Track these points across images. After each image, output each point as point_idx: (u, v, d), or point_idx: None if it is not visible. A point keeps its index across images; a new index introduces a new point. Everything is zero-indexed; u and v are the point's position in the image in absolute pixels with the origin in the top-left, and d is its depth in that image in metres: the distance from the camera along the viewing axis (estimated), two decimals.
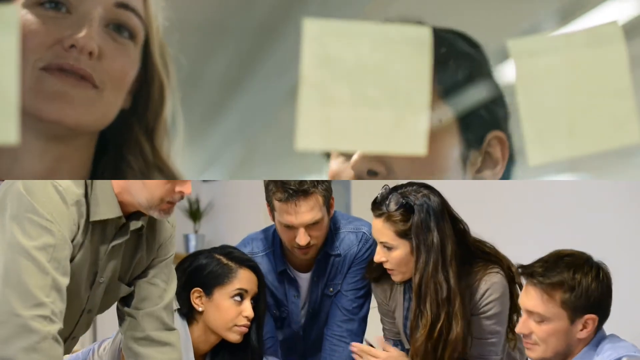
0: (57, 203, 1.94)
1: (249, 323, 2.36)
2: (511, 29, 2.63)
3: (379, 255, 2.39)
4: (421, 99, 1.41)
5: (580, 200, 3.46)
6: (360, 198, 4.41)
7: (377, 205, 2.37)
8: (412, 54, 1.42)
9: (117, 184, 2.02)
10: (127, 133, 1.93)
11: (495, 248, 2.52)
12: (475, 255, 2.46)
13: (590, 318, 2.08)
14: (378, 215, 2.37)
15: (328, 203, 2.46)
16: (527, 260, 2.43)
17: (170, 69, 1.96)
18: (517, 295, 2.39)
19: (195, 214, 5.03)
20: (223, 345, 2.39)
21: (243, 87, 2.85)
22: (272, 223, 2.61)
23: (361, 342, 2.62)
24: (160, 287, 2.22)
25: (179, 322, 2.36)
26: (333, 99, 1.38)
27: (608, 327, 2.16)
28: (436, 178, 1.91)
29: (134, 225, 2.09)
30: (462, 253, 2.40)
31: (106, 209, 2.01)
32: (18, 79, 1.22)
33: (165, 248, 2.23)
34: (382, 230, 2.36)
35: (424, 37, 1.43)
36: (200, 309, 2.36)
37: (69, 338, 2.16)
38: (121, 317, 2.24)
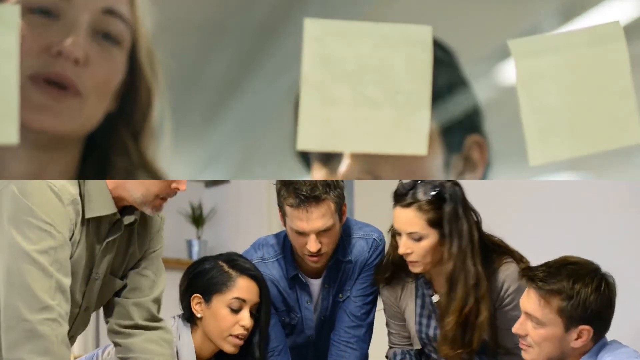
0: (54, 204, 1.94)
1: (245, 333, 2.33)
2: (512, 29, 2.63)
3: (405, 247, 2.36)
4: (422, 99, 1.41)
5: (580, 201, 3.46)
6: (362, 199, 4.41)
7: (402, 196, 2.34)
8: (413, 53, 1.42)
9: (111, 183, 2.02)
10: (113, 135, 1.94)
11: (503, 241, 2.51)
12: (487, 246, 2.46)
13: (585, 329, 2.08)
14: (406, 205, 2.33)
15: (340, 210, 2.45)
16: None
17: (158, 73, 1.96)
18: None
19: (198, 219, 5.03)
20: (227, 356, 2.37)
21: (243, 87, 2.85)
22: (273, 229, 2.60)
23: (367, 348, 2.62)
24: (150, 279, 2.22)
25: (182, 328, 2.35)
26: (334, 99, 1.37)
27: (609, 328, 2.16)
28: (423, 178, 1.96)
29: (128, 220, 2.09)
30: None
31: (101, 206, 2.02)
32: (18, 80, 1.22)
33: (155, 240, 2.23)
34: (412, 220, 2.33)
35: (424, 36, 1.43)
36: (199, 315, 2.34)
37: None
38: (108, 307, 2.24)
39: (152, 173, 1.95)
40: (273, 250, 2.60)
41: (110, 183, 2.04)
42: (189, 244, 4.93)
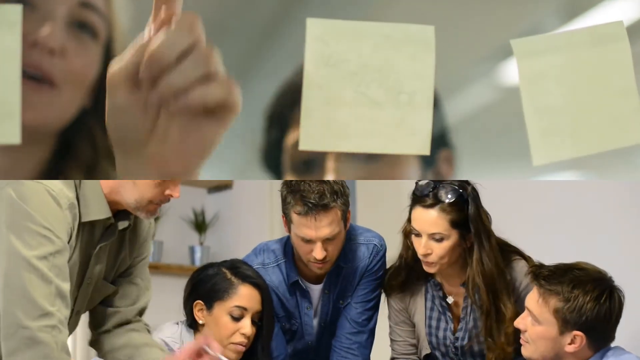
0: (53, 208, 1.92)
1: (246, 341, 2.32)
2: (514, 29, 2.63)
3: (425, 248, 2.36)
4: (425, 99, 1.40)
5: (580, 200, 3.45)
6: (364, 201, 4.40)
7: (424, 197, 2.35)
8: (416, 53, 1.41)
9: (105, 183, 2.01)
10: (85, 133, 1.93)
11: (507, 240, 2.53)
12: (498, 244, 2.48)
13: (579, 335, 2.09)
14: (428, 206, 2.34)
15: (345, 217, 2.45)
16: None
17: None
18: None
19: (200, 225, 5.02)
20: None
21: (244, 86, 2.85)
22: (276, 235, 2.59)
23: (369, 353, 2.62)
24: (140, 286, 2.22)
25: (185, 334, 2.35)
26: (336, 99, 1.37)
27: None
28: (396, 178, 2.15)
29: (122, 225, 2.08)
30: None
31: (96, 210, 2.01)
32: (20, 79, 1.21)
33: (144, 247, 2.23)
34: (436, 221, 2.34)
35: (427, 36, 1.42)
36: (201, 322, 2.34)
37: None
38: (93, 315, 2.24)
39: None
40: (274, 256, 2.60)
41: (105, 187, 2.03)
42: (192, 250, 4.93)
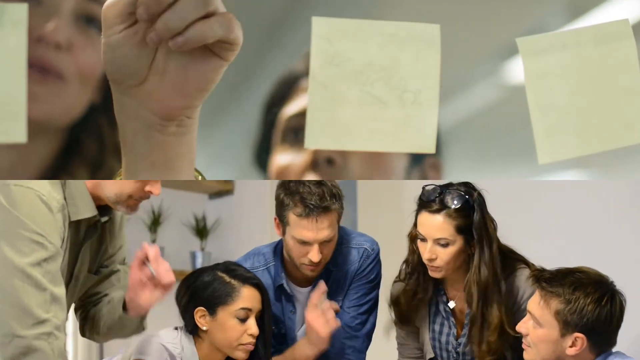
0: (44, 214, 1.91)
1: (254, 341, 2.33)
2: (518, 27, 2.63)
3: (431, 253, 2.37)
4: (430, 98, 1.40)
5: (581, 202, 3.45)
6: (365, 202, 4.40)
7: (430, 202, 2.35)
8: (421, 52, 1.41)
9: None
10: (93, 129, 1.93)
11: (513, 249, 2.53)
12: (502, 251, 2.48)
13: (580, 337, 2.09)
14: (435, 211, 2.35)
15: (339, 220, 2.45)
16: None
17: None
18: None
19: (201, 231, 5.02)
20: None
21: (250, 85, 2.85)
22: (279, 239, 2.58)
23: (364, 358, 2.61)
24: (121, 271, 2.23)
25: (185, 339, 2.34)
26: (341, 97, 1.37)
27: None
28: (383, 178, 2.17)
29: (104, 219, 2.08)
30: None
31: (84, 208, 2.00)
32: (25, 77, 1.21)
33: (122, 234, 2.23)
34: (442, 227, 2.35)
35: (432, 35, 1.42)
36: (204, 328, 2.34)
37: None
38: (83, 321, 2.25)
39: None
40: (264, 259, 2.59)
41: (89, 183, 2.02)
42: (193, 255, 4.92)
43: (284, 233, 2.45)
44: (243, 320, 2.32)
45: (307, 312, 2.45)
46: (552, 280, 2.14)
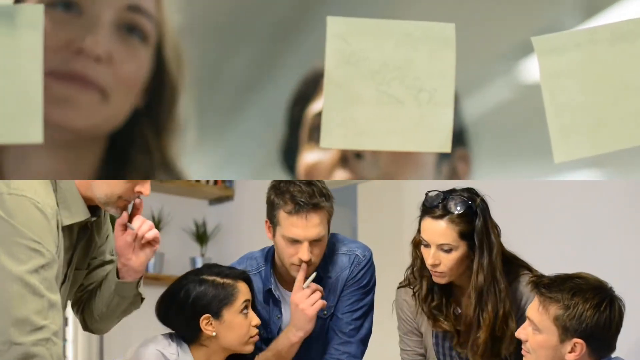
0: (40, 221, 1.91)
1: (258, 331, 2.35)
2: (533, 26, 2.62)
3: (434, 258, 2.37)
4: (445, 96, 1.40)
5: (582, 200, 3.44)
6: (365, 203, 4.40)
7: (433, 208, 2.36)
8: (436, 51, 1.41)
9: (79, 181, 2.01)
10: (136, 133, 1.93)
11: (516, 255, 2.54)
12: (505, 257, 2.48)
13: (579, 342, 2.09)
14: (437, 217, 2.36)
15: (329, 222, 2.46)
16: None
17: (184, 70, 1.95)
18: None
19: (202, 237, 5.04)
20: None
21: (264, 85, 2.85)
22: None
23: None
24: (113, 262, 2.24)
25: (180, 347, 2.35)
26: (357, 97, 1.37)
27: None
28: (412, 178, 2.16)
29: (94, 219, 2.09)
30: None
31: (76, 212, 2.01)
32: (42, 78, 1.22)
33: (106, 224, 2.24)
34: (445, 232, 2.35)
35: (447, 34, 1.42)
36: (213, 334, 2.34)
37: None
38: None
39: (172, 173, 1.94)
40: (256, 263, 2.60)
41: (78, 184, 2.03)
42: (193, 261, 4.93)
43: (274, 235, 2.46)
44: (247, 313, 2.34)
45: (292, 294, 2.45)
46: (551, 286, 2.14)
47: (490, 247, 2.37)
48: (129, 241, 2.10)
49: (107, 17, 1.81)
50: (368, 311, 2.61)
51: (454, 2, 2.34)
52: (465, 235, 2.35)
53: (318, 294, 2.45)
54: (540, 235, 3.41)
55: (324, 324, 2.56)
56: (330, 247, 2.55)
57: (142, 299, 2.23)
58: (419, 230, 2.42)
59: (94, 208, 2.08)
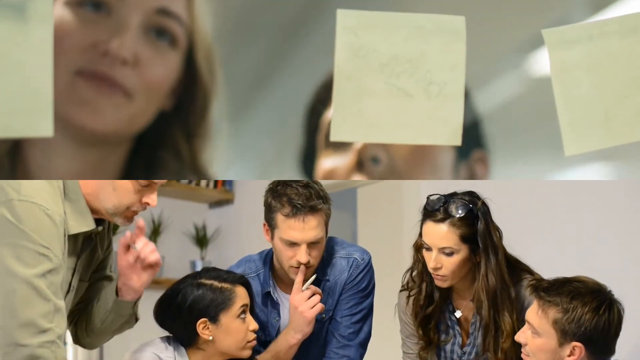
0: (49, 228, 1.92)
1: (255, 335, 2.35)
2: (543, 19, 2.61)
3: (436, 262, 2.38)
4: (456, 89, 1.40)
5: (582, 201, 3.44)
6: (365, 204, 4.40)
7: (435, 212, 2.37)
8: (446, 44, 1.41)
9: (85, 189, 2.01)
10: (166, 134, 1.92)
11: (518, 258, 2.54)
12: (507, 260, 2.49)
13: (578, 346, 2.09)
14: (439, 221, 2.36)
15: (327, 224, 2.46)
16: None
17: (216, 74, 1.94)
18: None
19: (202, 240, 5.05)
20: None
21: (274, 83, 2.85)
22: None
23: None
24: (113, 277, 2.24)
25: (177, 351, 2.35)
26: (367, 90, 1.37)
27: None
28: (429, 178, 2.17)
29: (98, 230, 2.09)
30: None
31: (82, 222, 2.02)
32: (52, 72, 1.22)
33: (109, 237, 2.24)
34: (446, 236, 2.36)
35: (458, 27, 1.42)
36: (210, 338, 2.34)
37: None
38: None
39: (202, 176, 1.95)
40: (254, 266, 2.60)
41: (85, 193, 2.03)
42: (193, 264, 4.94)
43: (272, 238, 2.46)
44: (244, 318, 2.34)
45: (291, 296, 2.46)
46: (549, 290, 2.14)
47: (496, 249, 2.38)
48: (131, 261, 2.10)
49: (135, 20, 1.80)
50: (367, 315, 2.61)
51: None
52: (467, 239, 2.36)
53: (317, 297, 2.45)
54: (540, 238, 3.41)
55: (322, 326, 2.57)
56: (328, 250, 2.55)
57: (137, 319, 2.24)
58: (420, 234, 2.42)
59: (98, 220, 2.09)
